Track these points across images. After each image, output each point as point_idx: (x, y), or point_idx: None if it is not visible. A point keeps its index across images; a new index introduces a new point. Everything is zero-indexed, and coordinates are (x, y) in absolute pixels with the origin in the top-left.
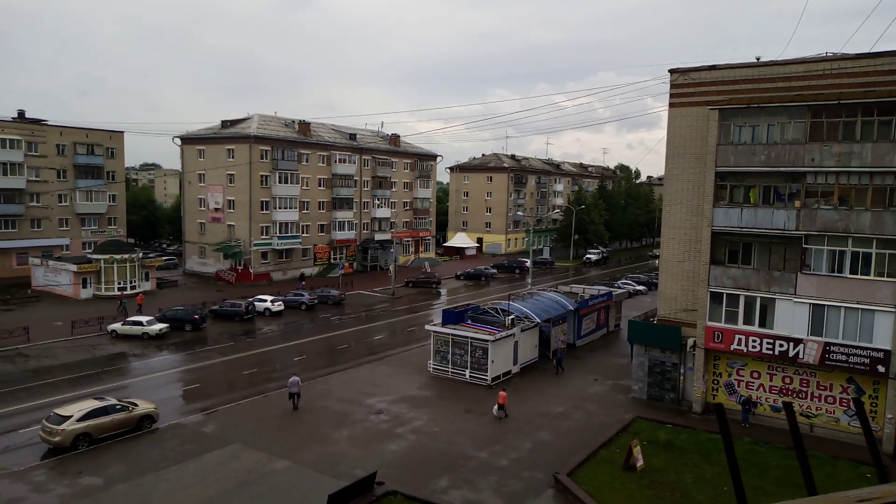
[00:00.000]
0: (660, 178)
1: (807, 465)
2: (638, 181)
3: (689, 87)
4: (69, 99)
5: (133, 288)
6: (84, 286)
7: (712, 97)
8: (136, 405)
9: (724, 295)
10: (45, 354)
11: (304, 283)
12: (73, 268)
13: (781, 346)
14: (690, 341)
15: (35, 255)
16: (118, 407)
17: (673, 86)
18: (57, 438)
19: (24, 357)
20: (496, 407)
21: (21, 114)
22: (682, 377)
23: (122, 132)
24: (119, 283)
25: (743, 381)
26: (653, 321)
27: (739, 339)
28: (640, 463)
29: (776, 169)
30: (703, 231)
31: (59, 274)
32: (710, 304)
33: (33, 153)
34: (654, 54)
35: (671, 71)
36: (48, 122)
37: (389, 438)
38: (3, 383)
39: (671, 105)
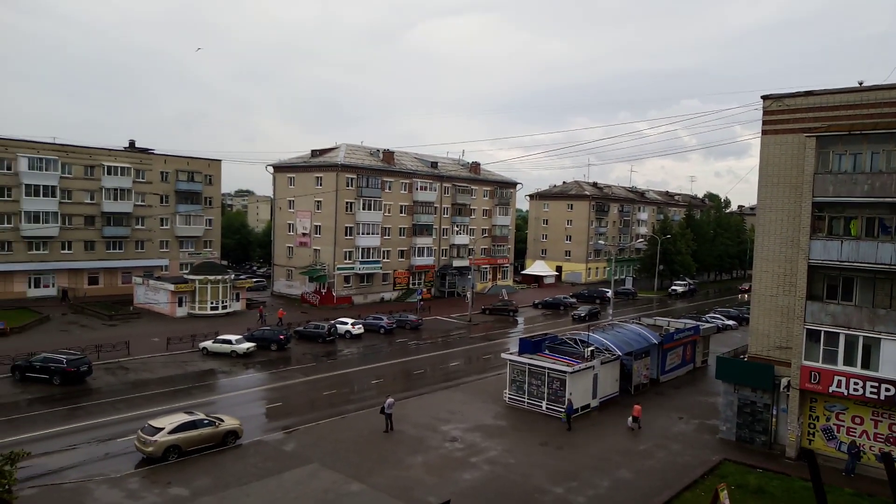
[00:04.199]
0: (751, 208)
1: None
2: (728, 210)
3: (783, 113)
4: (176, 131)
5: (224, 308)
6: (180, 305)
7: (809, 124)
8: (223, 421)
9: (822, 333)
10: (142, 368)
11: (421, 303)
12: (171, 287)
13: (888, 390)
14: (784, 381)
15: (137, 274)
16: (206, 422)
17: (766, 112)
18: (150, 449)
19: (125, 370)
20: (630, 419)
21: (131, 143)
22: (774, 419)
23: (220, 160)
24: (211, 303)
25: (843, 426)
26: (743, 358)
27: (839, 381)
28: None
29: (881, 199)
30: (798, 264)
31: (157, 293)
32: (807, 342)
33: (140, 180)
34: (740, 82)
35: (764, 97)
36: (154, 151)
37: (463, 467)
38: (106, 394)
39: (764, 132)
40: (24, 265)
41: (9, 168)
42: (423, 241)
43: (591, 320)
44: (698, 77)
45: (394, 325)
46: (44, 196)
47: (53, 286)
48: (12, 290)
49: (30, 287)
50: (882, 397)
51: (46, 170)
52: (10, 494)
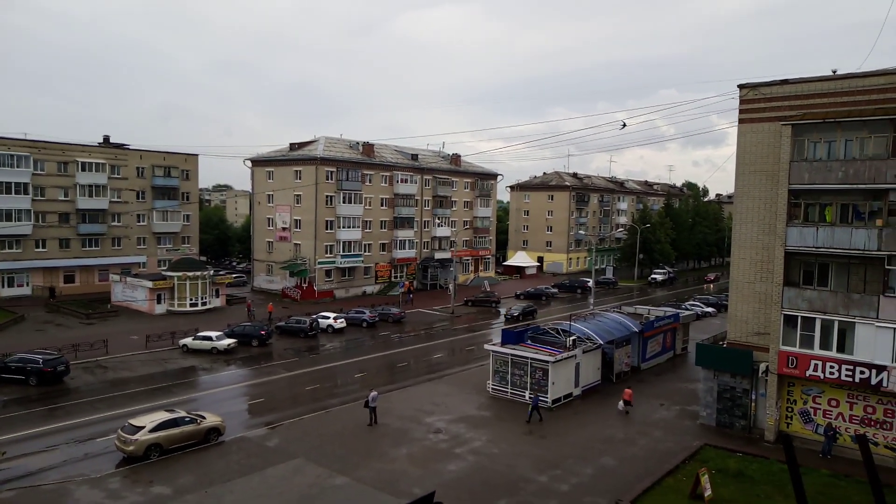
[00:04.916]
0: (729, 196)
1: (883, 500)
2: (706, 199)
3: (759, 102)
4: (152, 124)
5: (204, 304)
6: (158, 302)
7: (785, 112)
8: (204, 418)
9: (799, 318)
10: (121, 366)
11: (411, 296)
12: (149, 284)
13: (862, 372)
14: (762, 366)
15: (115, 271)
16: (187, 419)
17: (742, 101)
18: (131, 448)
19: (103, 369)
20: (621, 402)
21: (106, 139)
22: (753, 403)
23: (197, 155)
24: (191, 300)
25: (820, 409)
26: (722, 344)
27: (815, 365)
28: (708, 492)
29: (855, 186)
30: (775, 251)
31: (135, 290)
32: (784, 328)
33: (116, 176)
34: (717, 71)
35: (741, 86)
36: (130, 147)
37: (448, 458)
38: (84, 393)
39: (741, 121)
40: None
41: None
42: (404, 234)
43: (525, 319)
44: (680, 66)
45: (376, 319)
46: (15, 193)
47: (28, 285)
48: None
49: (3, 286)
50: (857, 380)
51: (18, 166)
52: None
